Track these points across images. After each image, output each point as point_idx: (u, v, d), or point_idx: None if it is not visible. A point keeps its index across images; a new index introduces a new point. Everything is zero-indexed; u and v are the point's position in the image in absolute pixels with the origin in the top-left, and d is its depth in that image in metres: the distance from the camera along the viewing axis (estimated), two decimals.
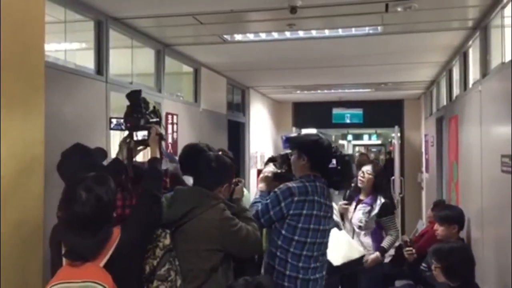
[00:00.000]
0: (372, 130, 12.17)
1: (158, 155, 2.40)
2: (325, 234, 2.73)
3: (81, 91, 3.45)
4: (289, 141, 2.96)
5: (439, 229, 3.91)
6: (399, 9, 3.61)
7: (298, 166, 2.79)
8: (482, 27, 4.01)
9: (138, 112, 2.46)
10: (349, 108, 9.95)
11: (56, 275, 1.96)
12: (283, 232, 2.66)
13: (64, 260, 2.00)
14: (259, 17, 3.98)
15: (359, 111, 9.93)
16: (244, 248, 2.43)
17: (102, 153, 2.49)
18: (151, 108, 2.60)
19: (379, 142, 17.23)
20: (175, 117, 5.10)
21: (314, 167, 2.75)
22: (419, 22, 4.13)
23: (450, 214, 3.95)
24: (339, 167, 2.86)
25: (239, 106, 7.83)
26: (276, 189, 2.71)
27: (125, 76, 4.35)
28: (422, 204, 8.66)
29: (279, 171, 3.05)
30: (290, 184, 2.69)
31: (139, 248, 2.18)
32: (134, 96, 2.50)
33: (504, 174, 3.11)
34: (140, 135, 2.42)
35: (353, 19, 4.04)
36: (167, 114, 4.93)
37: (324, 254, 2.76)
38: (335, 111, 10.01)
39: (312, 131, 12.62)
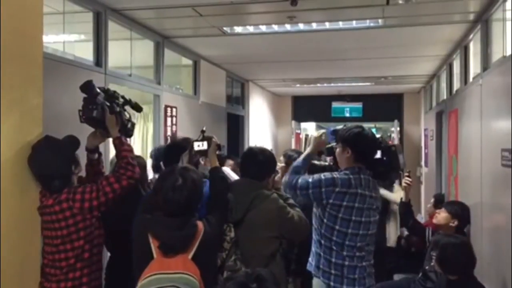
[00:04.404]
0: (371, 124, 12.14)
1: (218, 164, 2.64)
2: (369, 226, 2.71)
3: (80, 82, 3.38)
4: (334, 134, 2.94)
5: (441, 215, 3.86)
6: (400, 1, 3.59)
7: (342, 159, 2.78)
8: (483, 21, 3.98)
9: (93, 103, 2.46)
10: (349, 102, 9.93)
11: (149, 267, 2.08)
12: (325, 221, 2.70)
13: (154, 252, 2.12)
14: (259, 9, 3.96)
15: (358, 105, 9.91)
16: (297, 232, 2.67)
17: (73, 142, 2.45)
18: (120, 99, 2.63)
19: (378, 136, 17.25)
20: (174, 109, 5.08)
21: (359, 159, 2.74)
22: (420, 15, 4.11)
23: (458, 209, 3.91)
24: (384, 158, 2.82)
25: (238, 99, 7.81)
26: (322, 174, 2.72)
27: (124, 68, 4.33)
28: (421, 198, 8.66)
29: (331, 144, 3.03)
30: (335, 174, 2.71)
31: (217, 242, 2.40)
32: (87, 87, 2.47)
33: (504, 168, 3.10)
34: (199, 145, 2.66)
35: (354, 12, 4.02)
36: (166, 106, 4.92)
37: (369, 244, 2.75)
38: (335, 104, 9.99)
39: (311, 124, 12.62)
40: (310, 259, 2.86)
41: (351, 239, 2.66)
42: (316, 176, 2.70)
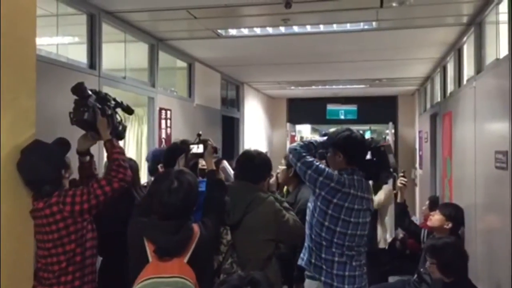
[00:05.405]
0: (366, 127, 12.17)
1: (214, 167, 2.64)
2: (358, 226, 2.73)
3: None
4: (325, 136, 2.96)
5: (436, 217, 3.86)
6: (394, 4, 3.60)
7: (335, 163, 2.81)
8: (476, 23, 4.00)
9: (84, 105, 2.43)
10: (344, 104, 9.95)
11: (144, 270, 2.07)
12: (316, 215, 2.74)
13: (149, 255, 2.12)
14: (253, 11, 3.96)
15: (353, 107, 9.92)
16: (292, 235, 2.73)
17: (64, 145, 2.43)
18: (112, 101, 2.61)
19: (368, 137, 17.24)
20: (168, 112, 5.07)
21: (350, 162, 2.78)
22: (413, 17, 4.13)
23: (452, 211, 3.91)
24: (374, 159, 2.84)
25: (233, 102, 7.81)
26: (327, 167, 2.78)
27: (118, 71, 4.31)
28: (415, 200, 8.68)
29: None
30: (335, 172, 2.75)
31: (214, 245, 2.41)
32: (78, 90, 2.45)
33: (498, 170, 3.11)
34: (196, 148, 2.68)
35: (348, 14, 4.03)
36: (160, 109, 4.90)
37: (360, 245, 2.77)
38: (330, 107, 10.00)
39: (307, 127, 12.63)
40: (302, 254, 2.89)
41: (339, 237, 2.69)
42: (322, 165, 2.76)
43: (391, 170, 3.00)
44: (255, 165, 2.74)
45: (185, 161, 2.73)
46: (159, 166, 3.26)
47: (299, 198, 3.47)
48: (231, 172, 3.10)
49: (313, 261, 2.77)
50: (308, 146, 2.84)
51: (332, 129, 3.00)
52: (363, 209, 2.75)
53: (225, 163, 3.17)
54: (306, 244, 2.85)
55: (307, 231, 2.83)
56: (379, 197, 4.52)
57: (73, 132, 2.57)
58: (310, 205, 2.82)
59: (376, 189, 4.48)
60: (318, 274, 2.75)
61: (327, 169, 2.74)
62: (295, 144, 2.90)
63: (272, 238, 2.63)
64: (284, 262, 2.99)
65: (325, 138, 2.95)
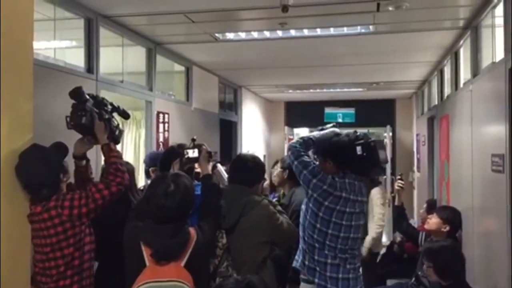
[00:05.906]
0: (364, 130, 12.18)
1: (210, 172, 2.68)
2: (351, 229, 2.74)
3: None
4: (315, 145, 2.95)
5: (433, 220, 3.86)
6: (390, 8, 3.61)
7: (326, 169, 2.80)
8: (473, 27, 4.02)
9: (82, 110, 2.45)
10: (341, 107, 9.96)
11: (142, 275, 2.08)
12: (308, 217, 2.76)
13: (146, 259, 2.12)
14: (250, 15, 3.97)
15: (351, 111, 9.94)
16: (286, 237, 2.76)
17: (61, 149, 2.44)
18: (109, 106, 2.63)
19: (358, 133, 17.11)
20: (166, 116, 5.08)
21: (341, 166, 2.79)
22: (410, 21, 4.14)
23: (450, 214, 3.91)
24: (364, 154, 2.80)
25: (231, 105, 7.81)
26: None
27: (116, 75, 4.32)
28: (413, 203, 8.69)
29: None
30: (329, 175, 2.75)
31: (210, 249, 2.43)
32: (76, 94, 2.46)
33: (494, 173, 3.12)
34: (191, 152, 2.69)
35: (345, 18, 4.04)
36: (158, 113, 4.91)
37: (353, 248, 2.77)
38: (327, 110, 10.01)
39: (305, 130, 12.64)
40: (296, 256, 2.90)
41: (332, 239, 2.70)
42: (318, 168, 2.77)
43: (382, 166, 2.99)
44: (249, 168, 2.77)
45: (180, 165, 2.74)
46: (150, 170, 3.27)
47: (293, 200, 3.49)
48: (225, 175, 3.11)
49: (306, 263, 2.78)
50: (307, 143, 2.86)
51: (329, 125, 3.01)
52: (356, 212, 2.75)
53: (219, 166, 3.18)
54: (300, 246, 2.87)
55: (300, 233, 2.84)
56: (377, 219, 4.42)
57: (71, 136, 2.57)
58: (303, 207, 2.83)
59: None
60: (311, 276, 2.75)
61: (321, 171, 2.75)
62: (294, 141, 2.92)
63: (266, 240, 2.65)
64: (279, 264, 2.99)
65: (322, 132, 2.95)
